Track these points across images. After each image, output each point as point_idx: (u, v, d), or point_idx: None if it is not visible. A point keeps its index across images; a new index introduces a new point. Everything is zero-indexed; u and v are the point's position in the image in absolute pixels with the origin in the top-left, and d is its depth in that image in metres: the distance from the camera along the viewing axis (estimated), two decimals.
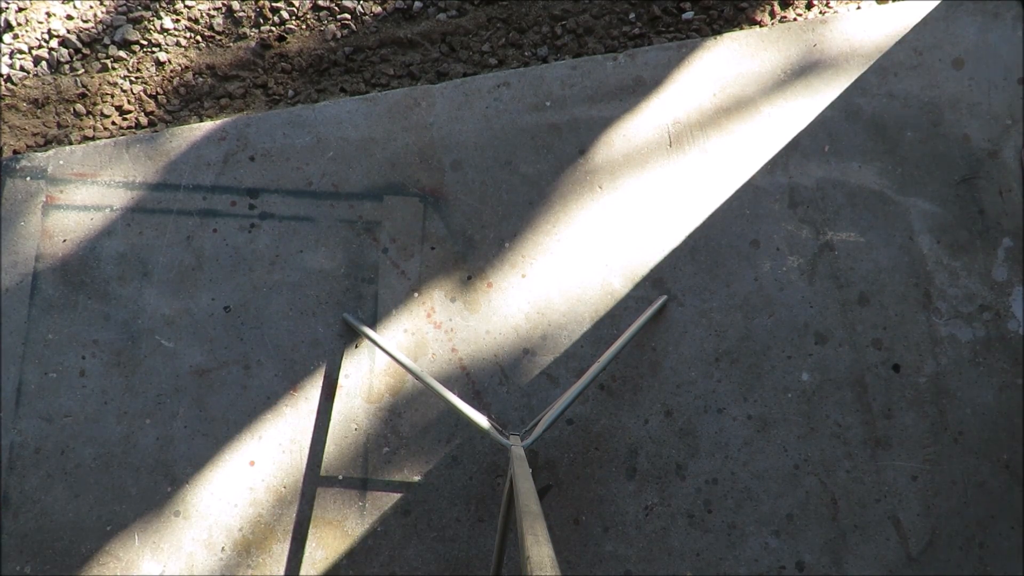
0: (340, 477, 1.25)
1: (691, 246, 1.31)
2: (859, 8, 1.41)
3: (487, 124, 1.35)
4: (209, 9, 1.44)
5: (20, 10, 1.44)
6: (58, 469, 1.24)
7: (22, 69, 1.42)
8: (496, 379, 1.28)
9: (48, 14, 1.44)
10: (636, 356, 1.28)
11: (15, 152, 1.37)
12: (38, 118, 1.40)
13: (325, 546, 1.23)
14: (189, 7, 1.44)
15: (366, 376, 1.27)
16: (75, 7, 1.44)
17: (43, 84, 1.41)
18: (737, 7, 1.43)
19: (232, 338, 1.28)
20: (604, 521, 1.23)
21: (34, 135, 1.39)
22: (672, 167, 1.33)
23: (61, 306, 1.28)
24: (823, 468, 1.25)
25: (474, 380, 1.27)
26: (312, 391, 1.27)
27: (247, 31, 1.44)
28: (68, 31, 1.43)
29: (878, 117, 1.34)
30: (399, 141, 1.34)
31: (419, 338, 1.29)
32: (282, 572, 1.22)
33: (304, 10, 1.44)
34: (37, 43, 1.43)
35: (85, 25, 1.44)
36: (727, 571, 1.22)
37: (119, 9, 1.44)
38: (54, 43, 1.42)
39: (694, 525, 1.23)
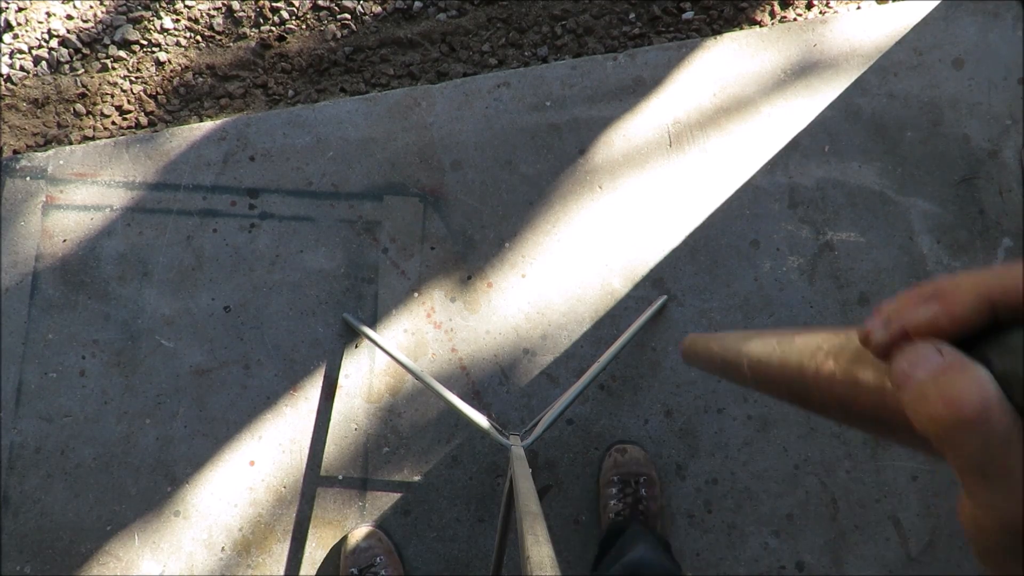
0: (340, 477, 1.25)
1: (691, 246, 1.31)
2: (859, 8, 1.41)
3: (487, 124, 1.35)
4: (209, 9, 1.44)
5: (20, 10, 1.44)
6: (58, 469, 1.24)
7: (22, 69, 1.42)
8: (496, 379, 1.27)
9: (48, 14, 1.44)
10: (636, 356, 1.28)
11: (15, 152, 1.37)
12: (38, 118, 1.40)
13: (325, 546, 1.23)
14: (189, 7, 1.44)
15: (366, 376, 1.27)
16: (75, 7, 1.44)
17: (43, 84, 1.41)
18: (737, 7, 1.43)
19: (232, 338, 1.28)
20: None
21: (34, 135, 1.39)
22: (672, 167, 1.33)
23: (61, 306, 1.28)
24: (823, 468, 1.25)
25: (474, 380, 1.27)
26: (312, 391, 1.27)
27: (247, 31, 1.44)
28: (68, 31, 1.43)
29: (878, 117, 1.34)
30: (399, 141, 1.34)
31: (419, 338, 1.29)
32: (282, 572, 1.22)
33: (304, 10, 1.44)
34: (37, 43, 1.43)
35: (85, 25, 1.44)
36: (727, 571, 1.22)
37: (119, 9, 1.44)
38: (54, 43, 1.42)
39: (694, 525, 1.23)
